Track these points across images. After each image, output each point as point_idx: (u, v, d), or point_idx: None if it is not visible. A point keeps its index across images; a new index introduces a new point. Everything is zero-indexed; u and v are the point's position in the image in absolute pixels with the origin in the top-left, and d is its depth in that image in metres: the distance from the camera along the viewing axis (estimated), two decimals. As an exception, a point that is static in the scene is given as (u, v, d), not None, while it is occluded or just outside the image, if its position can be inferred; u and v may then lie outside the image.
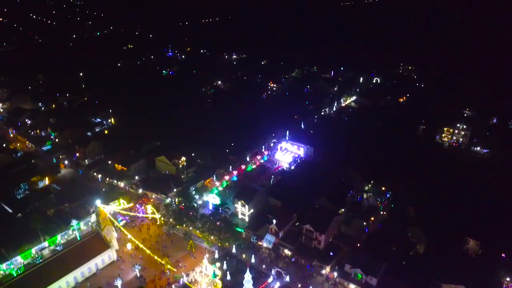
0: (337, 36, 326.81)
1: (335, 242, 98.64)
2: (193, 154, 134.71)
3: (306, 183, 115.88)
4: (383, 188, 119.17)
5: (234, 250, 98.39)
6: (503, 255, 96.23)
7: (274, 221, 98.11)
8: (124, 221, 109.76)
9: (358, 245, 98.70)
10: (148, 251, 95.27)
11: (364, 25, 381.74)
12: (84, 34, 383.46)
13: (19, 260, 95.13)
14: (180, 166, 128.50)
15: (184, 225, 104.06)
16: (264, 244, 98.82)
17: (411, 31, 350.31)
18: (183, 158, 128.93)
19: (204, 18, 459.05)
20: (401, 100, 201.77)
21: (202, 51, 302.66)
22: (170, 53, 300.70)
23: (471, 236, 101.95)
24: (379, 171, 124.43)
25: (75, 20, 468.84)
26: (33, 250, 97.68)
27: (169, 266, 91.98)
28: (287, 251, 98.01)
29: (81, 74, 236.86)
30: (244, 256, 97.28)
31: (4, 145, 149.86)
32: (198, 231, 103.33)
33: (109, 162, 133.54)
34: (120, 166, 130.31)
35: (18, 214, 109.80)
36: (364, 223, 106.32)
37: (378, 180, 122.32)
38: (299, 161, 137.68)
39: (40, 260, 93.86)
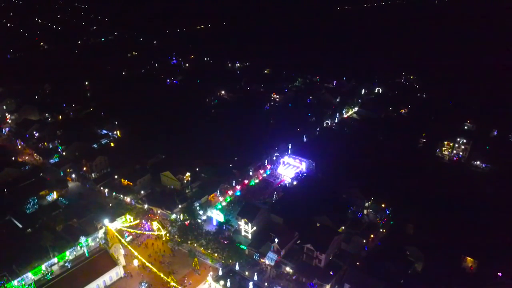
0: (338, 44, 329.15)
1: (335, 260, 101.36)
2: (197, 169, 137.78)
3: (308, 199, 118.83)
4: (383, 205, 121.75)
5: (237, 267, 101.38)
6: (499, 274, 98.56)
7: (276, 240, 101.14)
8: (131, 237, 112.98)
9: (358, 263, 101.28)
10: (154, 269, 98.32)
11: (365, 32, 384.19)
12: (89, 40, 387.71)
13: (29, 276, 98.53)
14: (185, 181, 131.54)
15: (189, 243, 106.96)
16: (267, 262, 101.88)
17: (412, 39, 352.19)
18: (188, 174, 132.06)
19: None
20: (403, 111, 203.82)
21: (205, 58, 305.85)
22: (174, 61, 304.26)
23: (469, 254, 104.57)
24: (379, 187, 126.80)
25: (80, 24, 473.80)
26: (43, 266, 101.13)
27: (174, 284, 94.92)
28: (288, 269, 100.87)
29: (86, 83, 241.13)
30: (247, 273, 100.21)
31: (13, 158, 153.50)
32: (202, 248, 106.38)
33: (116, 176, 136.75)
34: (126, 181, 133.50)
35: (28, 230, 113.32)
36: (364, 241, 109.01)
37: (378, 196, 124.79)
38: (301, 176, 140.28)
39: (50, 277, 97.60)
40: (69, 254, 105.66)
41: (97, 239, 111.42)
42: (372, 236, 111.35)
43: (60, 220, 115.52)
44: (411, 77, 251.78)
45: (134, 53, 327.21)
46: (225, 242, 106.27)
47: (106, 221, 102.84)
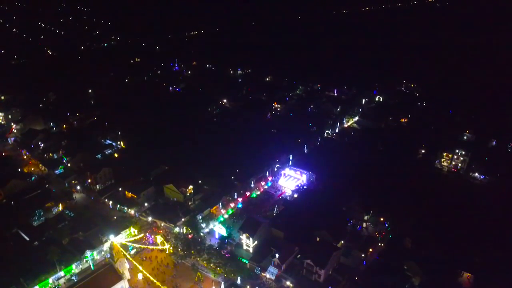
0: (339, 51, 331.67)
1: (335, 275, 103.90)
2: (199, 181, 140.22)
3: (308, 213, 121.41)
4: (381, 219, 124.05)
5: (239, 281, 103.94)
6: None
7: (277, 255, 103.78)
8: (135, 250, 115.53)
9: (356, 278, 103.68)
10: (158, 283, 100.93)
11: (365, 38, 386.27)
12: (92, 46, 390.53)
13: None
14: (188, 194, 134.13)
15: (192, 257, 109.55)
16: (268, 276, 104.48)
17: (413, 45, 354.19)
18: (191, 187, 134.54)
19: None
20: (403, 120, 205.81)
21: (207, 65, 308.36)
22: (176, 67, 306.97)
23: (466, 269, 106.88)
24: (378, 200, 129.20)
25: (83, 28, 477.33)
26: (50, 280, 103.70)
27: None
28: (289, 283, 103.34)
29: (90, 90, 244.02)
30: (248, 287, 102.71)
31: (19, 169, 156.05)
32: (205, 262, 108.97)
33: (120, 189, 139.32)
34: (130, 193, 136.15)
35: (35, 242, 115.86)
36: (363, 255, 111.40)
37: (377, 209, 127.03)
38: (302, 188, 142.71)
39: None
40: (75, 268, 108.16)
41: (102, 252, 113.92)
42: (370, 250, 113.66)
43: (66, 233, 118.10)
44: (412, 85, 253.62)
45: (137, 59, 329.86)
46: (228, 255, 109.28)
47: (111, 237, 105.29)
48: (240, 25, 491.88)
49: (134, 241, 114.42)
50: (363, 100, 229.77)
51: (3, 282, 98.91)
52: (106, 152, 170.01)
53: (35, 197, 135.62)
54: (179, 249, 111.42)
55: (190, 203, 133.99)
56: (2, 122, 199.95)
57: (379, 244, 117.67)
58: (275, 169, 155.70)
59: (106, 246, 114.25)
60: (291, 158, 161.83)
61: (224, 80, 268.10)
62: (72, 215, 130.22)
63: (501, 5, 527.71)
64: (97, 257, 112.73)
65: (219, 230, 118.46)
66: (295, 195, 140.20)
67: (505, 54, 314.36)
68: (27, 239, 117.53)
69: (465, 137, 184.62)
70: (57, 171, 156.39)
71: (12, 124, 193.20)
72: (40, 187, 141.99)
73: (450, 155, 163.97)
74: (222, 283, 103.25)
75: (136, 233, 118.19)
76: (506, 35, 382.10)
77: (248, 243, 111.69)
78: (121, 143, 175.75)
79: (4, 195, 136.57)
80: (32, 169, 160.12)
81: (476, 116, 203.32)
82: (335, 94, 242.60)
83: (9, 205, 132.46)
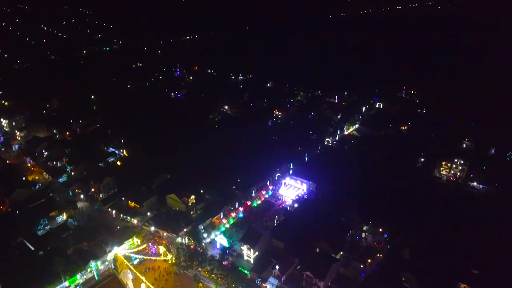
0: (339, 57, 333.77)
1: (334, 286, 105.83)
2: (201, 191, 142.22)
3: (308, 223, 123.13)
4: (380, 230, 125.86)
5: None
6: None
7: (277, 266, 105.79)
8: (138, 260, 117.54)
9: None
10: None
11: (365, 43, 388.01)
12: (94, 50, 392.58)
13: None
14: (190, 203, 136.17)
15: (194, 267, 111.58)
16: (268, 287, 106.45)
17: (413, 50, 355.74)
18: (192, 197, 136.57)
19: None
20: (403, 128, 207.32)
21: (209, 70, 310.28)
22: (178, 72, 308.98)
23: (463, 280, 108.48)
24: (377, 210, 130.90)
25: (85, 31, 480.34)
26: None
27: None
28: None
29: (92, 97, 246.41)
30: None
31: (23, 178, 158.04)
32: (207, 273, 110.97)
33: (123, 198, 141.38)
34: (133, 203, 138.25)
35: (40, 252, 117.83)
36: (361, 266, 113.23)
37: (376, 219, 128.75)
38: (302, 197, 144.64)
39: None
40: (79, 278, 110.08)
41: (106, 262, 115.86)
42: (369, 261, 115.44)
43: (71, 243, 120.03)
44: (412, 92, 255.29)
45: (139, 64, 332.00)
46: (229, 266, 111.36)
47: (115, 248, 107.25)
48: (241, 30, 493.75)
49: (137, 252, 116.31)
50: (363, 108, 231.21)
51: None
52: (109, 160, 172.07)
53: (40, 206, 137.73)
54: (181, 260, 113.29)
55: (192, 213, 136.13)
56: (7, 129, 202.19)
57: (378, 255, 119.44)
58: (276, 178, 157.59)
59: (110, 256, 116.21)
60: (291, 166, 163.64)
61: (225, 86, 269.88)
62: (76, 224, 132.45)
63: (501, 9, 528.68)
64: (101, 267, 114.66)
65: (221, 240, 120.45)
66: (296, 205, 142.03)
67: (505, 61, 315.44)
68: (32, 248, 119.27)
69: (464, 145, 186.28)
70: (60, 180, 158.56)
71: (16, 131, 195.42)
72: (44, 196, 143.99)
73: (449, 164, 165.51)
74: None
75: (139, 243, 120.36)
76: (506, 40, 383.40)
77: (249, 254, 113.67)
78: (124, 151, 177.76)
79: (9, 204, 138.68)
80: (37, 177, 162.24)
81: (476, 123, 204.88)
82: (336, 101, 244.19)
83: (14, 214, 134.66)
